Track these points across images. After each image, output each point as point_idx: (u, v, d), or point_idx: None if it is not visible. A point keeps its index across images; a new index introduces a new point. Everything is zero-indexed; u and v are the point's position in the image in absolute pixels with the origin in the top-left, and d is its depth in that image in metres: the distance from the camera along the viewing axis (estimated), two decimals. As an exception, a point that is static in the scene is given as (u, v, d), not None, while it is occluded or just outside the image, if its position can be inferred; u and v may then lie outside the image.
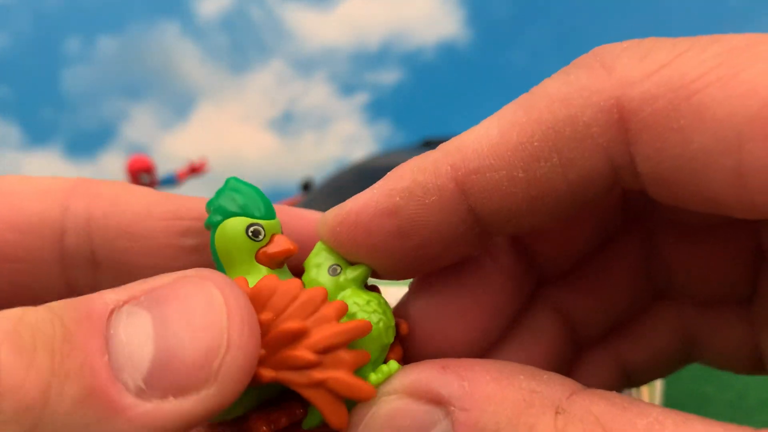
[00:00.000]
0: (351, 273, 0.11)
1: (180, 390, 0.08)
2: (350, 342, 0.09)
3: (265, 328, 0.09)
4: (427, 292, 0.11)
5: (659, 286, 0.13)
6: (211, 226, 0.11)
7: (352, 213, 0.10)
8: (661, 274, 0.12)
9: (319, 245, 0.11)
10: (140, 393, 0.08)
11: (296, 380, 0.09)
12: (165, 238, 0.11)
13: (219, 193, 0.11)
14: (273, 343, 0.09)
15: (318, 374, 0.09)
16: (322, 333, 0.09)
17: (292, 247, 0.11)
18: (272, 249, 0.11)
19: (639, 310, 0.13)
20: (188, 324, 0.08)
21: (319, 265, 0.11)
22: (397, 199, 0.10)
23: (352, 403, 0.10)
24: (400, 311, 0.12)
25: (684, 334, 0.13)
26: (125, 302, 0.08)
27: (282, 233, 0.11)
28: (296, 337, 0.09)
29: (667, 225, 0.12)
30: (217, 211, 0.11)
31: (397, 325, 0.11)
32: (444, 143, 0.10)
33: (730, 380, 0.38)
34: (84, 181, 0.11)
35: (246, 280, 0.10)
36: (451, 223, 0.09)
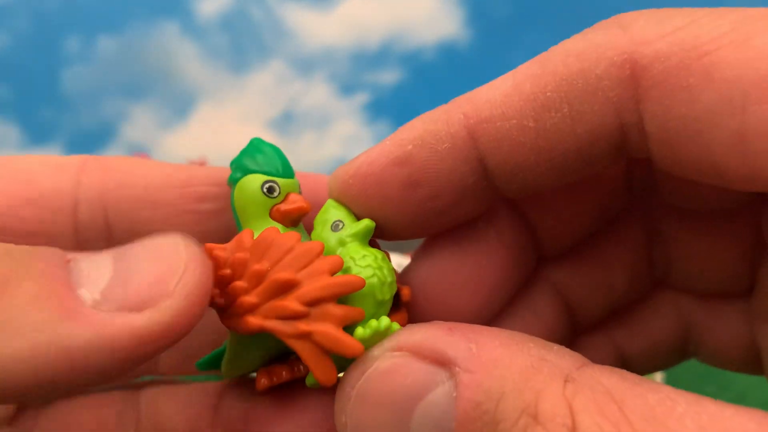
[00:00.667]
0: (352, 228, 0.11)
1: (136, 305, 0.08)
2: (340, 296, 0.09)
3: (259, 278, 0.09)
4: (430, 259, 0.11)
5: (659, 273, 0.13)
6: (232, 182, 0.11)
7: (364, 164, 0.10)
8: (661, 261, 0.13)
9: (328, 203, 0.11)
10: (96, 304, 0.08)
11: (283, 330, 0.09)
12: (183, 204, 0.11)
13: (242, 152, 0.11)
14: (265, 292, 0.09)
15: (304, 326, 0.09)
16: (313, 285, 0.09)
17: (305, 205, 0.11)
18: (285, 206, 0.11)
19: (638, 297, 0.13)
20: (148, 253, 0.08)
21: (325, 222, 0.11)
22: (409, 147, 0.10)
23: (350, 361, 0.10)
24: (402, 278, 0.12)
25: (682, 325, 0.13)
26: (87, 255, 0.09)
27: (300, 193, 0.11)
28: (287, 287, 0.09)
29: (670, 211, 0.12)
30: (238, 168, 0.11)
31: (399, 290, 0.11)
32: (456, 97, 0.10)
33: (730, 380, 0.38)
34: (95, 157, 0.11)
35: (251, 232, 0.10)
36: (461, 172, 0.10)
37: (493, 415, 0.08)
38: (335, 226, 0.11)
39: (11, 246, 0.08)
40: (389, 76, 0.69)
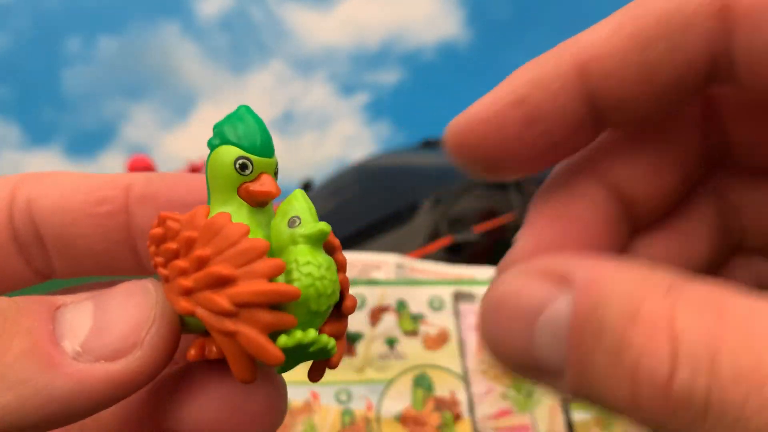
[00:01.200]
0: (305, 229, 0.10)
1: (111, 355, 0.09)
2: (271, 303, 0.09)
3: (200, 264, 0.10)
4: (539, 223, 0.12)
5: (735, 241, 0.13)
6: (209, 147, 0.11)
7: (482, 109, 0.11)
8: (736, 228, 0.13)
9: (295, 192, 0.11)
10: (77, 356, 0.09)
11: (211, 322, 0.10)
12: (86, 208, 0.12)
13: (227, 117, 0.11)
14: (201, 280, 0.10)
15: (230, 324, 0.09)
16: (246, 287, 0.09)
17: (273, 190, 0.10)
18: (253, 187, 0.10)
19: (715, 267, 0.13)
20: (123, 305, 0.10)
21: (284, 213, 0.11)
22: (524, 89, 0.10)
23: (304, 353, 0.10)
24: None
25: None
26: (73, 300, 0.10)
27: (275, 175, 0.11)
28: (222, 282, 0.09)
29: (743, 176, 0.12)
30: (217, 134, 0.11)
31: (343, 301, 0.11)
32: (562, 42, 0.11)
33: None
34: (32, 173, 0.13)
35: (207, 210, 0.10)
36: (572, 108, 0.11)
37: (600, 322, 0.08)
38: (292, 222, 0.10)
39: (2, 301, 0.09)
40: (389, 76, 0.69)
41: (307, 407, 0.30)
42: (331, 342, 0.10)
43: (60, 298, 0.10)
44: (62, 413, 0.09)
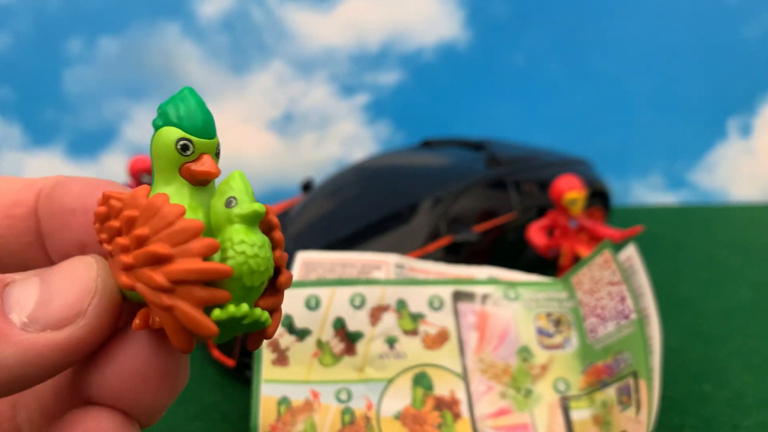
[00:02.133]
0: (241, 209, 0.11)
1: (56, 324, 0.10)
2: (205, 280, 0.10)
3: (139, 242, 0.10)
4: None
5: None
6: (153, 127, 0.11)
7: None
8: None
9: (233, 174, 0.11)
10: (24, 326, 0.10)
11: (149, 297, 0.10)
12: (4, 210, 0.13)
13: (171, 99, 0.11)
14: (140, 257, 0.10)
15: (167, 300, 0.10)
16: (181, 265, 0.10)
17: (213, 170, 0.11)
18: (194, 167, 0.11)
19: None
20: (67, 278, 0.11)
21: (222, 193, 0.11)
22: None
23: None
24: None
25: None
26: (21, 277, 0.11)
27: (217, 155, 0.11)
28: (159, 260, 0.10)
29: None
30: (161, 115, 0.11)
31: (279, 274, 0.11)
32: None
33: (728, 379, 0.38)
34: None
35: (147, 190, 0.11)
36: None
37: None
38: (228, 202, 0.11)
39: None
40: (389, 77, 0.69)
41: (308, 406, 0.30)
42: (264, 315, 0.10)
43: (9, 276, 0.11)
44: (13, 380, 0.10)
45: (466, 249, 0.41)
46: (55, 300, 0.10)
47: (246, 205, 0.11)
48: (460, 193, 0.43)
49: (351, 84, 0.68)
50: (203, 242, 0.10)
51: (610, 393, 0.29)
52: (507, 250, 0.46)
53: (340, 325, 0.32)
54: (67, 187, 0.12)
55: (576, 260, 0.44)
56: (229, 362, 0.37)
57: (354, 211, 0.43)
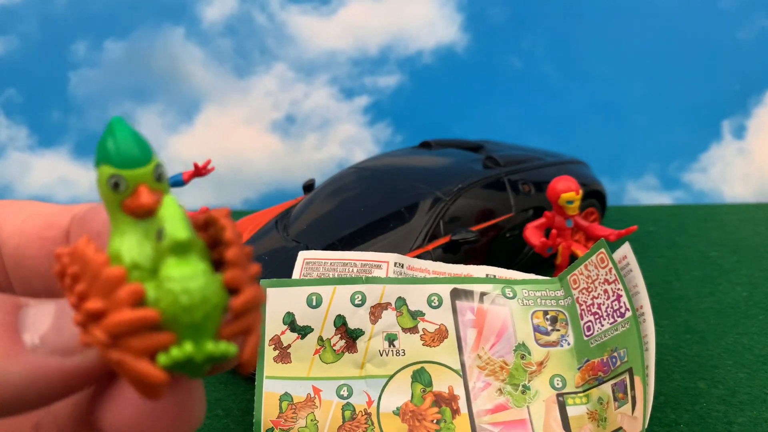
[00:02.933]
0: (163, 243, 0.10)
1: (66, 351, 0.10)
2: (136, 329, 0.09)
3: (81, 298, 0.10)
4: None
5: None
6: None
7: None
8: None
9: (164, 200, 0.10)
10: (34, 348, 0.10)
11: (101, 353, 0.10)
12: (39, 231, 0.13)
13: (102, 135, 0.11)
14: (84, 314, 0.10)
15: (115, 354, 0.10)
16: (113, 318, 0.09)
17: (147, 202, 0.10)
18: (128, 202, 0.10)
19: None
20: None
21: (153, 224, 0.10)
22: None
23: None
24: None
25: None
26: (38, 302, 0.11)
27: (159, 178, 0.10)
28: (96, 316, 0.10)
29: None
30: (96, 155, 0.11)
31: (234, 293, 0.10)
32: None
33: (722, 376, 0.39)
34: (7, 201, 0.14)
35: (86, 241, 0.10)
36: None
37: None
38: (158, 234, 0.10)
39: None
40: (389, 80, 0.70)
41: (309, 402, 0.30)
42: (221, 346, 0.10)
43: (25, 300, 0.11)
44: (14, 399, 0.10)
45: (465, 248, 0.42)
46: (68, 328, 0.10)
47: (168, 237, 0.10)
48: (458, 193, 0.44)
49: (351, 86, 0.69)
50: (127, 290, 0.09)
51: (606, 389, 0.30)
52: (505, 249, 0.46)
53: (341, 323, 0.33)
54: (97, 213, 0.13)
55: (572, 259, 0.44)
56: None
57: (354, 211, 0.43)
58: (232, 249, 0.11)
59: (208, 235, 0.11)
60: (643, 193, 0.66)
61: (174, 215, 0.10)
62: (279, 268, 0.38)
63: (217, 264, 0.11)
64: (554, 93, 0.66)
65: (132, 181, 0.10)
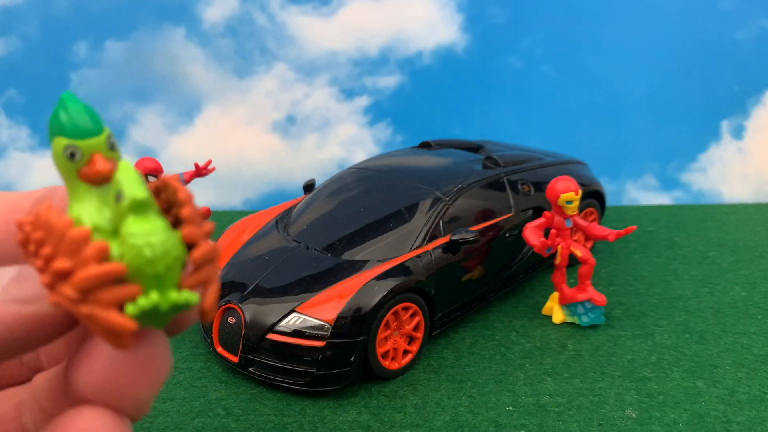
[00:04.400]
0: (123, 202, 0.11)
1: (25, 299, 0.11)
2: (105, 282, 0.10)
3: (47, 260, 0.10)
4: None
5: None
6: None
7: None
8: None
9: (119, 164, 0.11)
10: None
11: (71, 309, 0.10)
12: (5, 215, 0.13)
13: (54, 110, 0.11)
14: (53, 275, 0.10)
15: (85, 309, 0.10)
16: (81, 274, 0.10)
17: (103, 168, 0.11)
18: (85, 170, 0.11)
19: None
20: None
21: (113, 190, 0.11)
22: None
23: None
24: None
25: None
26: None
27: (112, 146, 0.11)
28: (65, 274, 0.10)
29: None
30: (49, 129, 0.11)
31: (191, 246, 0.11)
32: None
33: (721, 375, 0.39)
34: None
35: (49, 206, 0.11)
36: None
37: None
38: (117, 197, 0.11)
39: None
40: (389, 80, 0.70)
41: None
42: (184, 295, 0.10)
43: None
44: None
45: (464, 248, 0.42)
46: (28, 280, 0.11)
47: (126, 197, 0.10)
48: (458, 194, 0.44)
49: (352, 87, 0.69)
50: (93, 247, 0.10)
51: None
52: (505, 250, 0.46)
53: None
54: (56, 193, 0.13)
55: (572, 259, 0.44)
56: (233, 358, 0.38)
57: (354, 211, 0.43)
58: (187, 208, 0.11)
59: (161, 200, 0.12)
60: (642, 193, 0.67)
61: (131, 177, 0.11)
62: (279, 268, 0.38)
63: (172, 225, 0.11)
64: (554, 93, 0.66)
65: (87, 151, 0.11)
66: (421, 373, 0.39)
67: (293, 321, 0.35)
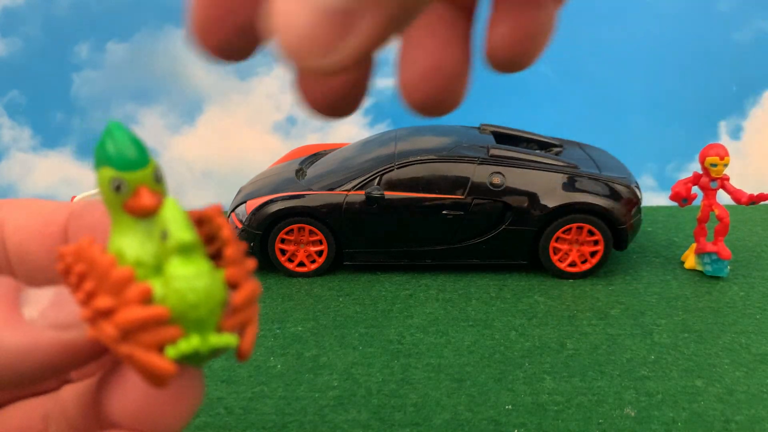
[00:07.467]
0: (168, 243, 0.11)
1: (64, 325, 0.11)
2: (147, 325, 0.10)
3: (89, 296, 0.11)
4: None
5: None
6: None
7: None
8: None
9: (165, 202, 0.11)
10: (33, 321, 0.11)
11: (111, 346, 0.10)
12: (40, 228, 0.13)
13: (100, 139, 0.11)
14: (93, 311, 0.10)
15: (124, 348, 0.10)
16: (124, 316, 0.10)
17: (149, 203, 0.11)
18: (131, 204, 0.11)
19: None
20: None
21: (154, 224, 0.11)
22: None
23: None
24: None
25: None
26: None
27: (157, 180, 0.11)
28: (106, 313, 0.10)
29: None
30: (95, 158, 0.11)
31: (233, 286, 0.11)
32: None
33: (719, 374, 0.39)
34: (9, 200, 0.14)
35: (91, 241, 0.11)
36: None
37: None
38: (162, 236, 0.11)
39: None
40: (389, 81, 0.70)
41: None
42: (224, 339, 0.11)
43: (25, 285, 0.11)
44: (14, 367, 0.10)
45: (377, 205, 0.50)
46: (68, 305, 0.11)
47: (173, 238, 0.10)
48: (408, 163, 0.51)
49: (352, 88, 0.69)
50: (137, 289, 0.10)
51: None
52: (438, 225, 0.52)
53: None
54: (93, 209, 0.13)
55: (712, 217, 0.50)
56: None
57: (355, 159, 0.53)
58: (231, 247, 0.11)
59: (202, 232, 0.12)
60: (641, 193, 0.67)
61: (177, 217, 0.11)
62: (270, 183, 0.52)
63: (212, 257, 0.11)
64: (553, 93, 0.66)
65: (133, 183, 0.11)
66: (421, 371, 0.39)
67: (239, 208, 0.54)
